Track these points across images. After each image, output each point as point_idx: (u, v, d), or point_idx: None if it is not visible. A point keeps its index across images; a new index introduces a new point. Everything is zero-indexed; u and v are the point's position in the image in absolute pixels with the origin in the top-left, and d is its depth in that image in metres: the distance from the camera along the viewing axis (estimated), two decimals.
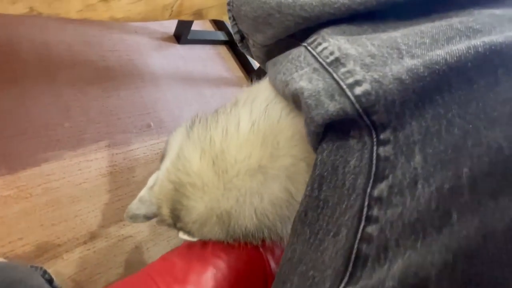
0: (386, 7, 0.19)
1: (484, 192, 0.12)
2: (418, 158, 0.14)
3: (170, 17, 0.36)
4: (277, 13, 0.26)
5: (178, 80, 0.77)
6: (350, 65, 0.17)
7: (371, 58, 0.17)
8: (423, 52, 0.15)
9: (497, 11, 0.16)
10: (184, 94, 0.75)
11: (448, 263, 0.12)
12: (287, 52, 0.26)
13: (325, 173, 0.18)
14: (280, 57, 0.27)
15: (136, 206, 0.33)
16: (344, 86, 0.17)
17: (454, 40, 0.15)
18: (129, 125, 0.62)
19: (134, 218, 0.33)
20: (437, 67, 0.14)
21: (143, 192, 0.34)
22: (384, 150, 0.16)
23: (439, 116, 0.14)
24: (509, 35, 0.14)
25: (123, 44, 0.73)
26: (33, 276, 0.32)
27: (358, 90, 0.16)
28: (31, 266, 0.34)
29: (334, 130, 0.18)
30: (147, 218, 0.34)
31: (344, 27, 0.21)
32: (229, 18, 0.35)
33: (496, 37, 0.14)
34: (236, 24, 0.33)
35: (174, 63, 0.79)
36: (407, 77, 0.15)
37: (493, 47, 0.14)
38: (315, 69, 0.19)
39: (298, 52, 0.23)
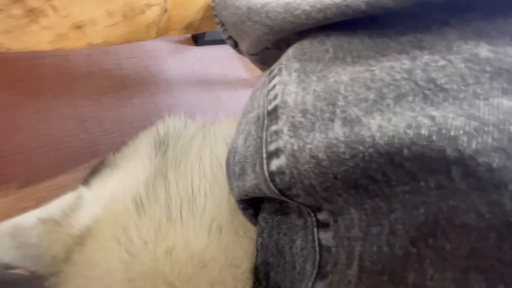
0: (348, 18, 0.15)
1: None
2: (355, 268, 0.11)
3: (158, 35, 0.34)
4: (248, 21, 0.23)
5: (194, 85, 0.76)
6: (281, 122, 0.14)
7: (302, 116, 0.13)
8: (359, 115, 0.11)
9: (483, 51, 0.10)
10: (199, 100, 0.73)
11: None
12: (260, 76, 0.23)
13: (270, 258, 0.15)
14: (257, 82, 0.24)
15: None
16: (264, 155, 0.14)
17: (403, 102, 0.10)
18: None
19: None
20: (361, 148, 0.10)
21: (28, 222, 0.20)
22: (325, 237, 0.12)
23: (381, 213, 0.10)
24: (472, 114, 0.08)
25: (139, 50, 0.73)
26: None
27: (274, 165, 0.13)
28: None
29: (269, 202, 0.15)
30: (8, 268, 0.20)
31: (306, 44, 0.17)
32: (217, 23, 0.33)
33: (455, 115, 0.09)
34: (226, 29, 0.31)
35: (190, 67, 0.77)
36: (325, 157, 0.11)
37: (443, 131, 0.09)
38: (258, 118, 0.16)
39: (260, 84, 0.19)
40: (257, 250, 0.15)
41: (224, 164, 0.19)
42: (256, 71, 0.91)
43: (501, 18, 0.11)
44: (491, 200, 0.07)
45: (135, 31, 0.31)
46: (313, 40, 0.17)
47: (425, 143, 0.09)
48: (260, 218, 0.16)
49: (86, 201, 0.22)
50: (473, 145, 0.08)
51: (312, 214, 0.13)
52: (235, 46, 0.33)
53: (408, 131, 0.09)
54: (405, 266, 0.09)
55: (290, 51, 0.18)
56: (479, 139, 0.08)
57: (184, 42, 0.82)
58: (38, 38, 0.25)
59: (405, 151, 0.09)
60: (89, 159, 0.55)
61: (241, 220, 0.17)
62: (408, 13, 0.13)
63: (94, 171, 0.26)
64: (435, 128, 0.09)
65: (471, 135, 0.08)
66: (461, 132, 0.08)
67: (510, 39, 0.10)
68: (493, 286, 0.07)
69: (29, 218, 0.21)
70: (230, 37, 0.32)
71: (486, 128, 0.08)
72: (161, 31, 0.34)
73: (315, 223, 0.13)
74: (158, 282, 0.16)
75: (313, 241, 0.13)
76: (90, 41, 0.28)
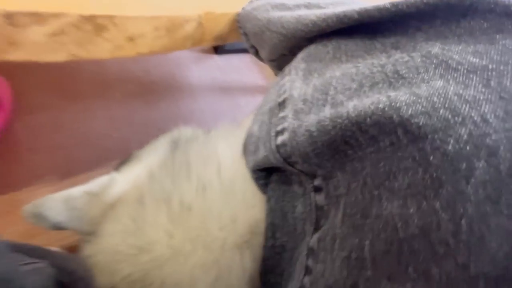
0: (345, 26, 0.18)
1: (382, 273, 0.11)
2: (339, 215, 0.14)
3: (192, 45, 0.39)
4: (267, 31, 0.28)
5: (215, 91, 0.81)
6: (287, 110, 0.17)
7: (303, 104, 0.17)
8: (343, 100, 0.15)
9: (435, 49, 0.14)
10: (219, 105, 0.78)
11: None
12: (275, 78, 0.27)
13: (276, 221, 0.18)
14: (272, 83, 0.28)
15: (52, 206, 0.24)
16: (272, 134, 0.17)
17: (375, 88, 0.14)
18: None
19: (38, 218, 0.23)
20: (339, 121, 0.14)
21: (76, 192, 0.25)
22: (319, 199, 0.15)
23: (357, 172, 0.14)
24: (414, 92, 0.12)
25: (166, 59, 0.80)
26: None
27: (279, 140, 0.17)
28: None
29: (277, 175, 0.19)
30: (57, 227, 0.24)
31: (312, 48, 0.21)
32: (241, 34, 0.38)
33: (403, 94, 0.12)
34: (248, 39, 0.36)
35: (211, 74, 0.83)
36: (315, 130, 0.15)
37: (393, 104, 0.12)
38: (270, 109, 0.20)
39: (274, 83, 0.23)
40: (266, 214, 0.19)
41: (214, 156, 0.24)
42: (272, 78, 0.96)
43: (454, 23, 0.15)
44: (419, 147, 0.11)
45: (174, 42, 0.36)
46: (318, 44, 0.20)
47: (380, 113, 0.12)
48: (269, 188, 0.20)
49: (117, 182, 0.28)
50: (409, 112, 0.12)
51: (310, 181, 0.16)
52: (256, 53, 0.37)
53: (371, 106, 0.13)
54: (371, 204, 0.12)
55: (299, 55, 0.22)
56: (414, 108, 0.12)
57: (206, 51, 0.88)
58: (101, 48, 0.30)
59: (368, 120, 0.13)
60: (121, 156, 0.61)
61: (239, 187, 0.21)
62: (392, 20, 0.17)
63: (124, 162, 0.35)
64: (388, 103, 0.12)
65: (409, 105, 0.12)
66: (404, 104, 0.12)
67: (457, 39, 0.14)
68: (420, 204, 0.10)
69: (77, 190, 0.27)
70: (252, 46, 0.36)
71: (419, 100, 0.12)
72: (196, 42, 0.39)
73: (312, 189, 0.16)
74: (159, 229, 0.21)
75: (311, 204, 0.16)
76: (139, 50, 0.34)
